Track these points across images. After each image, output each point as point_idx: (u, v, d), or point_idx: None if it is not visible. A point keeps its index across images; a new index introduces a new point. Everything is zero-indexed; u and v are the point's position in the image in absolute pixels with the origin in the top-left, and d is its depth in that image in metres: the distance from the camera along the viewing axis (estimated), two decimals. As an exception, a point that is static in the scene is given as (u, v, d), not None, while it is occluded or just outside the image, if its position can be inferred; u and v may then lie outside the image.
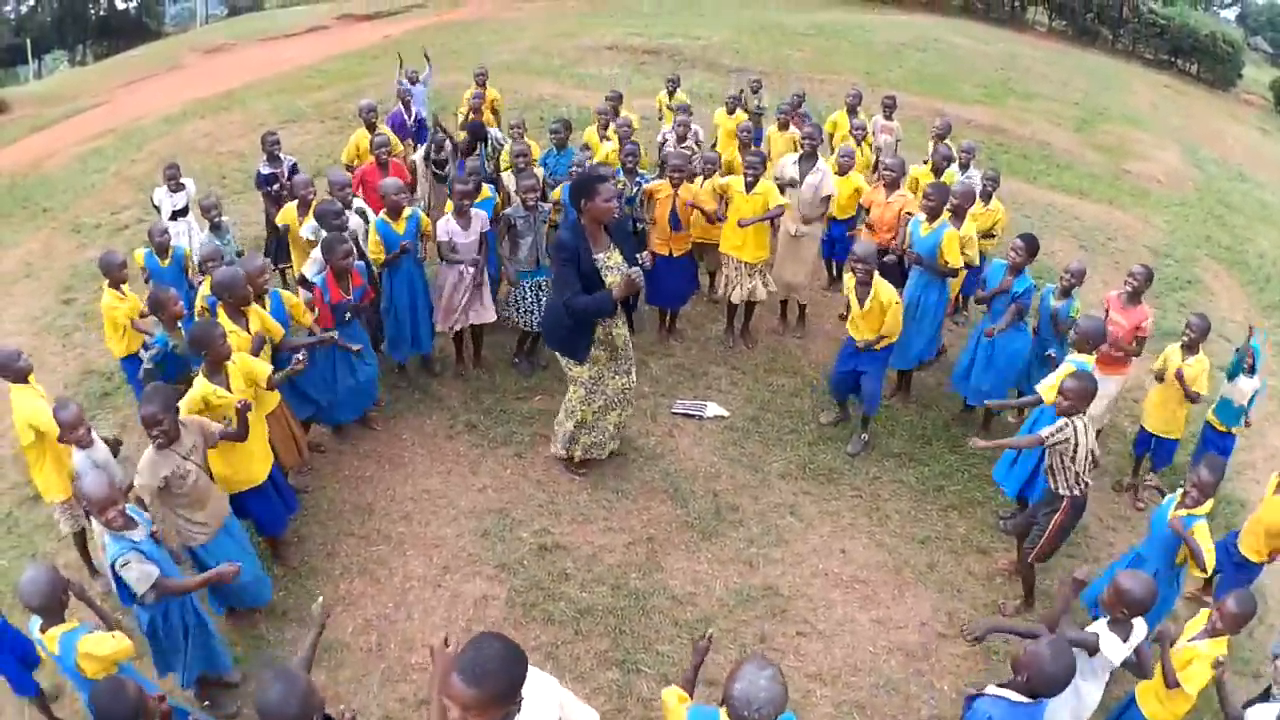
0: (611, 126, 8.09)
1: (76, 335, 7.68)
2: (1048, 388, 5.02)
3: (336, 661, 4.53)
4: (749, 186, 6.71)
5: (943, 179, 7.25)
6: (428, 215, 7.37)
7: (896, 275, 6.45)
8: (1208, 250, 11.04)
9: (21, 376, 4.61)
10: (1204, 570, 4.22)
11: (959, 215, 6.34)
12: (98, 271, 5.96)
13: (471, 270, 6.30)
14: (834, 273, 8.52)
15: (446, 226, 6.19)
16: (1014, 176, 11.80)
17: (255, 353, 4.95)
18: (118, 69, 22.21)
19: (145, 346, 5.57)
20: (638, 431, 6.25)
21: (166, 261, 6.34)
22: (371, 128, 7.87)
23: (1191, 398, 5.70)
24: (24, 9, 33.03)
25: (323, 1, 28.21)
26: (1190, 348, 5.69)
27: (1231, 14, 39.66)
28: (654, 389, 6.84)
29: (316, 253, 5.66)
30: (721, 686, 2.62)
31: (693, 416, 6.57)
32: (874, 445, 6.36)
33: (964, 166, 7.87)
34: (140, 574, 3.60)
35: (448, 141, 7.66)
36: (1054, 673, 3.00)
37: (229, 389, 4.49)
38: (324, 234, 5.74)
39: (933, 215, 6.30)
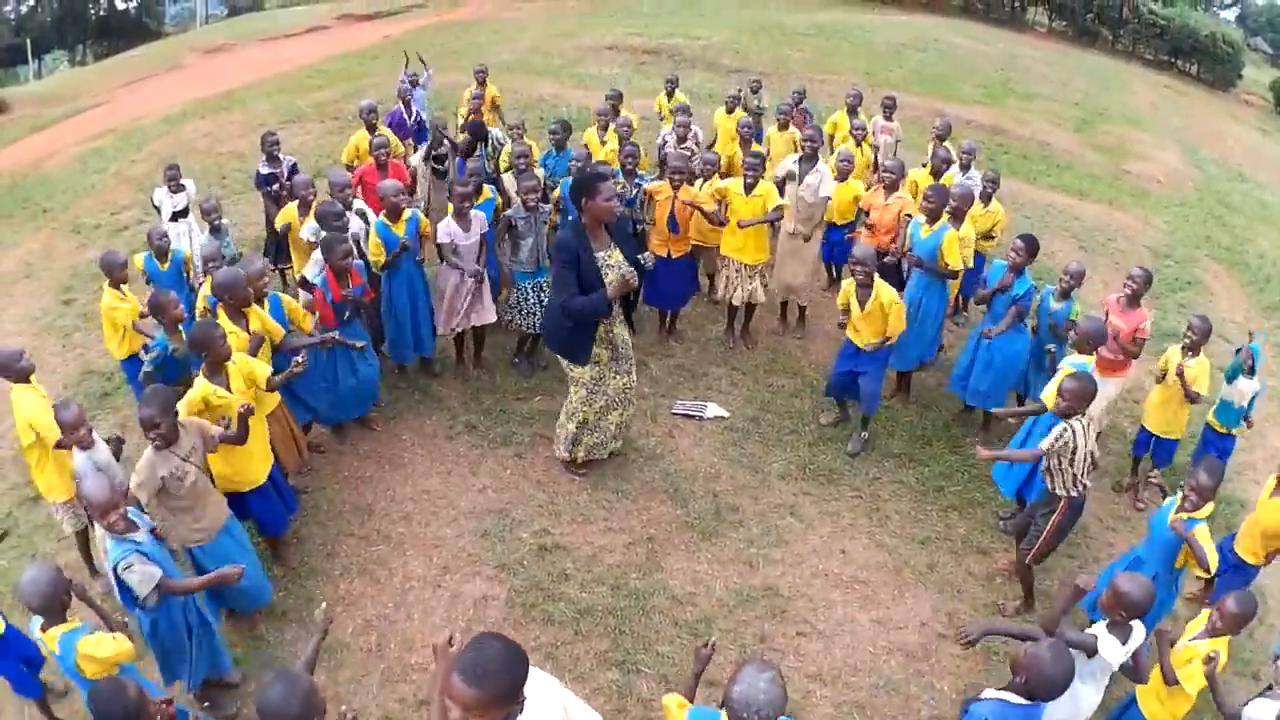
0: (611, 127, 8.08)
1: (76, 336, 7.68)
2: (1050, 395, 5.00)
3: (336, 662, 4.53)
4: (748, 188, 6.70)
5: (942, 181, 7.25)
6: (427, 215, 7.39)
7: (894, 277, 6.45)
8: (1208, 251, 11.04)
9: (23, 377, 4.61)
10: (1207, 571, 4.22)
11: (958, 217, 6.34)
12: (98, 272, 5.97)
13: (473, 275, 6.31)
14: (834, 275, 8.52)
15: (448, 229, 6.19)
16: (1014, 177, 11.81)
17: (254, 353, 4.95)
18: (118, 69, 22.21)
19: (146, 348, 5.58)
20: (638, 432, 6.25)
21: (166, 265, 6.34)
22: (372, 128, 7.87)
23: (1191, 398, 5.70)
24: (24, 9, 33.03)
25: (323, 1, 28.21)
26: (1192, 350, 5.69)
27: (1231, 15, 39.66)
28: (654, 390, 6.85)
29: (317, 254, 5.66)
30: (722, 688, 2.63)
31: (693, 417, 6.57)
32: (874, 446, 6.36)
33: (965, 168, 7.87)
34: (143, 576, 3.60)
35: (447, 140, 7.66)
36: (1053, 675, 3.01)
37: (229, 389, 4.50)
38: (324, 235, 5.74)
39: (933, 218, 6.31)
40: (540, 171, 7.05)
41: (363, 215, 6.40)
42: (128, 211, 10.18)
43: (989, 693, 3.19)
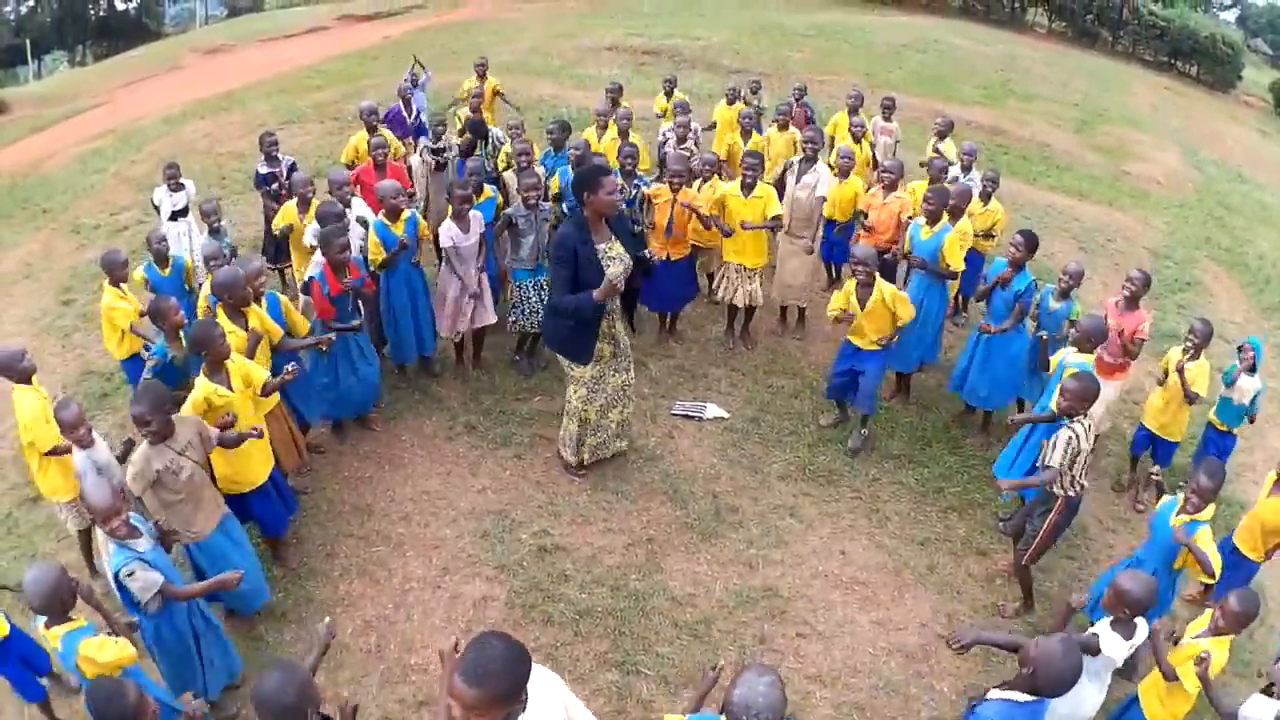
0: (612, 123, 8.11)
1: (76, 336, 7.68)
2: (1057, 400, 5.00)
3: (336, 663, 4.53)
4: (747, 188, 6.70)
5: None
6: (425, 215, 7.40)
7: (889, 278, 6.46)
8: (1207, 252, 11.04)
9: (25, 377, 4.61)
10: (1211, 576, 4.21)
11: (955, 215, 6.34)
12: (97, 272, 5.96)
13: (472, 295, 6.35)
14: (833, 275, 8.52)
15: (449, 232, 6.19)
16: (1014, 178, 11.81)
17: (252, 350, 4.95)
18: (117, 69, 22.21)
19: (146, 347, 5.57)
20: (637, 433, 6.25)
21: (167, 271, 6.32)
22: (372, 130, 7.87)
23: (1190, 398, 5.70)
24: (24, 9, 33.04)
25: (323, 2, 28.23)
26: (1193, 353, 5.69)
27: (1231, 16, 39.73)
28: (654, 390, 6.84)
29: (318, 255, 5.66)
30: (722, 691, 2.62)
31: (692, 418, 6.57)
32: (874, 447, 6.36)
33: (966, 169, 7.87)
34: (144, 583, 3.60)
35: (446, 133, 7.68)
36: (1063, 669, 2.96)
37: (229, 388, 4.50)
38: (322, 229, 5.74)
39: (933, 219, 6.31)
40: (541, 170, 7.05)
41: (363, 223, 6.38)
42: (127, 212, 10.18)
43: (994, 693, 3.18)
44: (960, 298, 7.95)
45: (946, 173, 7.52)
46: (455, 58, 15.37)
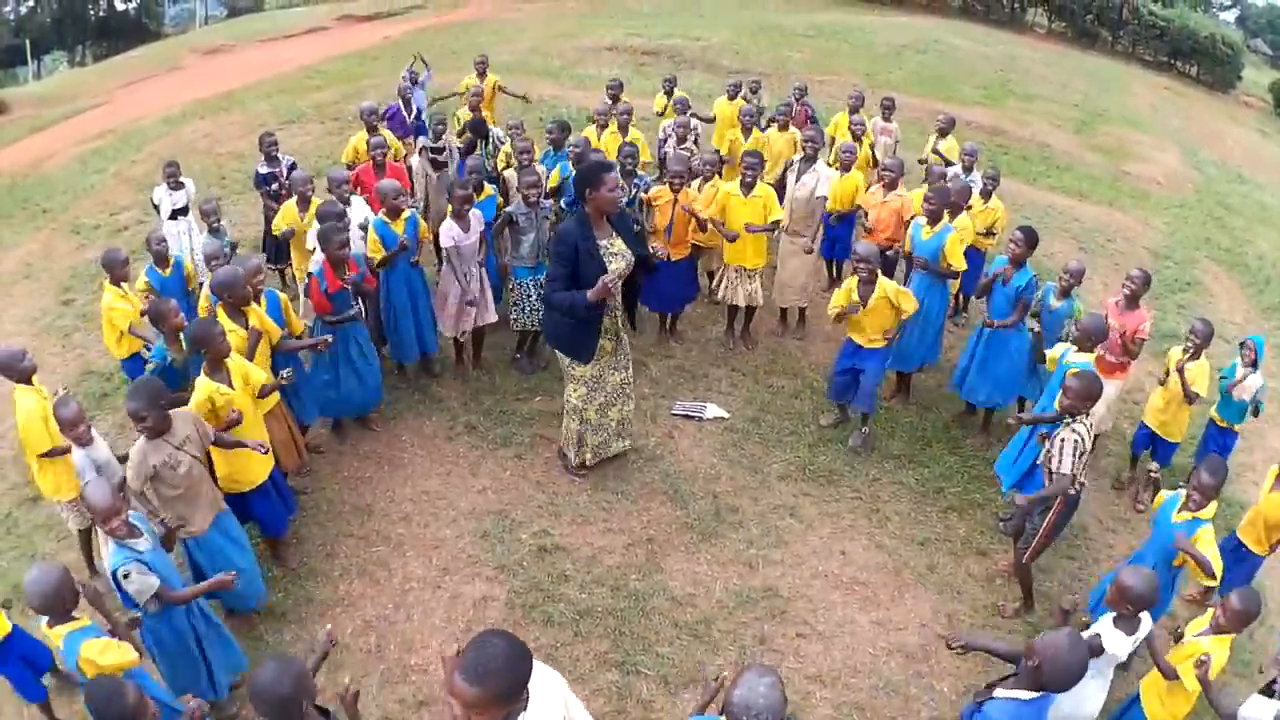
0: (612, 123, 8.12)
1: (76, 336, 7.68)
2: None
3: (336, 663, 4.52)
4: (747, 187, 6.70)
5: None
6: (425, 216, 7.40)
7: (889, 275, 6.47)
8: (1207, 252, 11.04)
9: (25, 377, 4.61)
10: (1212, 578, 4.21)
11: (955, 212, 6.36)
12: (97, 272, 5.96)
13: (469, 302, 6.37)
14: (834, 273, 8.52)
15: (450, 232, 6.19)
16: (1014, 178, 11.81)
17: (253, 348, 4.96)
18: (117, 70, 22.20)
19: (146, 346, 5.56)
20: (637, 433, 6.24)
21: (167, 270, 6.32)
22: (372, 130, 7.87)
23: (1189, 397, 5.70)
24: (24, 9, 33.03)
25: (323, 2, 28.23)
26: (1193, 355, 5.69)
27: (1231, 16, 39.73)
28: (654, 390, 6.84)
29: (318, 252, 5.67)
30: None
31: (692, 418, 6.57)
32: (874, 447, 6.36)
33: (967, 170, 7.87)
34: (141, 585, 3.60)
35: (446, 133, 7.68)
36: (1069, 663, 2.94)
37: (230, 386, 4.50)
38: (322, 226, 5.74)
39: (934, 219, 6.32)
40: (541, 168, 7.06)
41: (363, 227, 6.38)
42: (127, 212, 10.18)
43: (1000, 692, 3.17)
44: (961, 297, 7.96)
45: (945, 178, 7.52)
46: (455, 58, 15.35)
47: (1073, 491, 4.58)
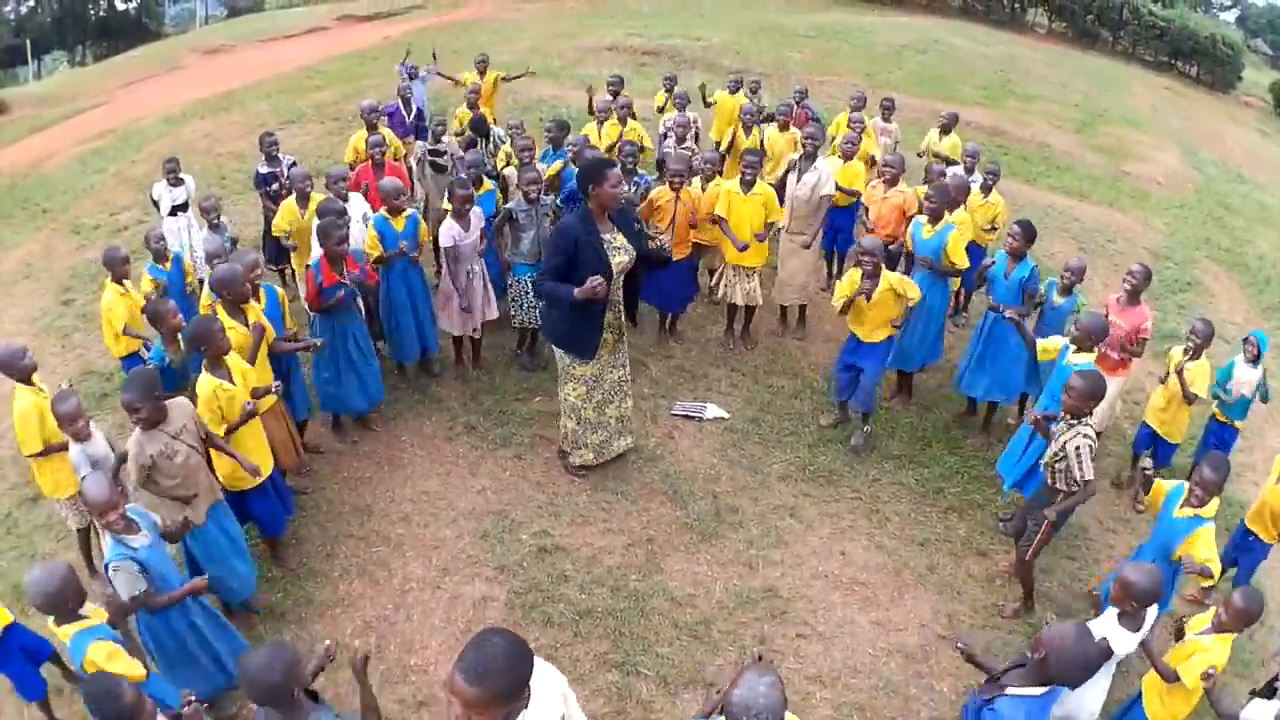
0: (613, 118, 8.16)
1: (76, 336, 7.68)
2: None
3: (336, 663, 4.50)
4: (747, 185, 6.70)
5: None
6: (425, 211, 7.40)
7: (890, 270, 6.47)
8: (1207, 252, 11.04)
9: (25, 375, 4.61)
10: (1210, 577, 4.20)
11: (952, 208, 6.38)
12: (97, 272, 5.97)
13: (464, 308, 6.39)
14: (834, 269, 8.53)
15: (450, 231, 6.19)
16: (1014, 178, 11.81)
17: (256, 345, 4.96)
18: (117, 70, 22.21)
19: (146, 346, 5.56)
20: (637, 433, 6.24)
21: (166, 266, 6.34)
22: (372, 128, 7.87)
23: (1189, 398, 5.71)
24: (24, 9, 33.06)
25: (323, 2, 28.24)
26: (1194, 354, 5.69)
27: (1231, 16, 39.76)
28: (654, 390, 6.84)
29: (317, 248, 5.67)
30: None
31: (692, 418, 6.57)
32: (874, 447, 6.35)
33: (969, 171, 7.87)
34: (128, 583, 3.60)
35: (446, 134, 7.69)
36: (1076, 655, 2.93)
37: (232, 382, 4.51)
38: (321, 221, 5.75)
39: (935, 218, 6.32)
40: (542, 166, 7.07)
41: (366, 218, 6.39)
42: (127, 212, 10.18)
43: (1011, 690, 3.16)
44: (962, 294, 7.96)
45: (944, 175, 7.53)
46: (455, 58, 15.34)
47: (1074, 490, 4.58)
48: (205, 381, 4.40)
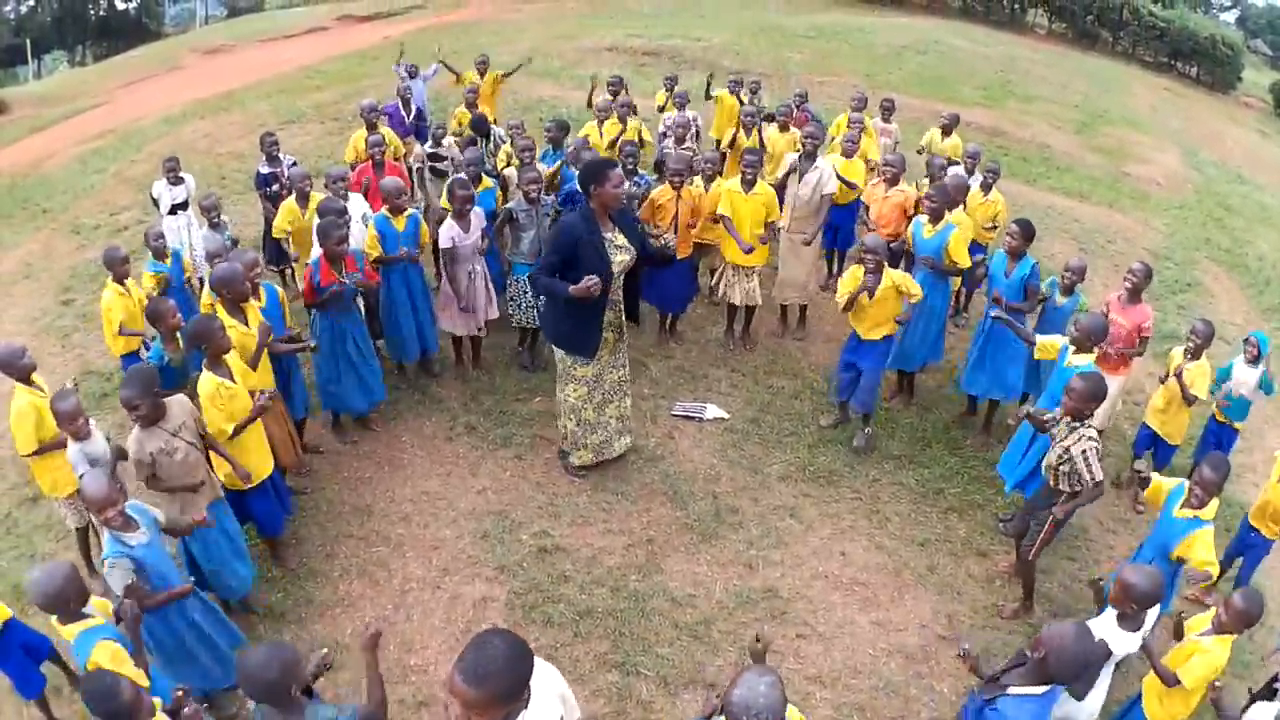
0: (613, 117, 8.17)
1: (76, 336, 7.67)
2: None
3: (336, 663, 4.49)
4: (748, 185, 6.70)
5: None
6: (426, 213, 7.40)
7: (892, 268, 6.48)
8: (1207, 253, 11.04)
9: (24, 375, 4.61)
10: (1208, 578, 4.20)
11: (951, 207, 6.39)
12: (97, 272, 5.97)
13: (462, 308, 6.39)
14: (834, 268, 8.53)
15: (450, 232, 6.18)
16: (1014, 179, 11.81)
17: (262, 343, 4.97)
18: (117, 69, 22.21)
19: (145, 345, 5.56)
20: (637, 434, 6.24)
21: (166, 262, 6.34)
22: (372, 127, 7.87)
23: (1188, 399, 5.72)
24: (24, 9, 33.06)
25: (323, 2, 28.24)
26: (1194, 354, 5.70)
27: (1231, 17, 39.79)
28: (654, 391, 6.84)
29: (317, 248, 5.67)
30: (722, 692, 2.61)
31: (692, 418, 6.57)
32: (874, 447, 6.35)
33: (970, 172, 7.87)
34: (120, 577, 3.60)
35: (446, 137, 7.69)
36: (1076, 653, 2.92)
37: (233, 380, 4.51)
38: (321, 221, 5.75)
39: (935, 217, 6.32)
40: (541, 167, 7.07)
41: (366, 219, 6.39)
42: (127, 212, 10.18)
43: (1013, 690, 3.16)
44: (963, 293, 7.97)
45: (945, 171, 7.54)
46: (455, 58, 15.23)
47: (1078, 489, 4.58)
48: (207, 379, 4.40)
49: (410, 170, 7.90)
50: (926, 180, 7.66)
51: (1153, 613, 3.74)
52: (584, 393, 5.48)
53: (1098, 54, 24.37)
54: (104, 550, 3.65)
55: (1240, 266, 10.81)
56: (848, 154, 7.57)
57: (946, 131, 8.85)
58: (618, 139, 7.86)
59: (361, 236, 6.16)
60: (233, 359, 4.57)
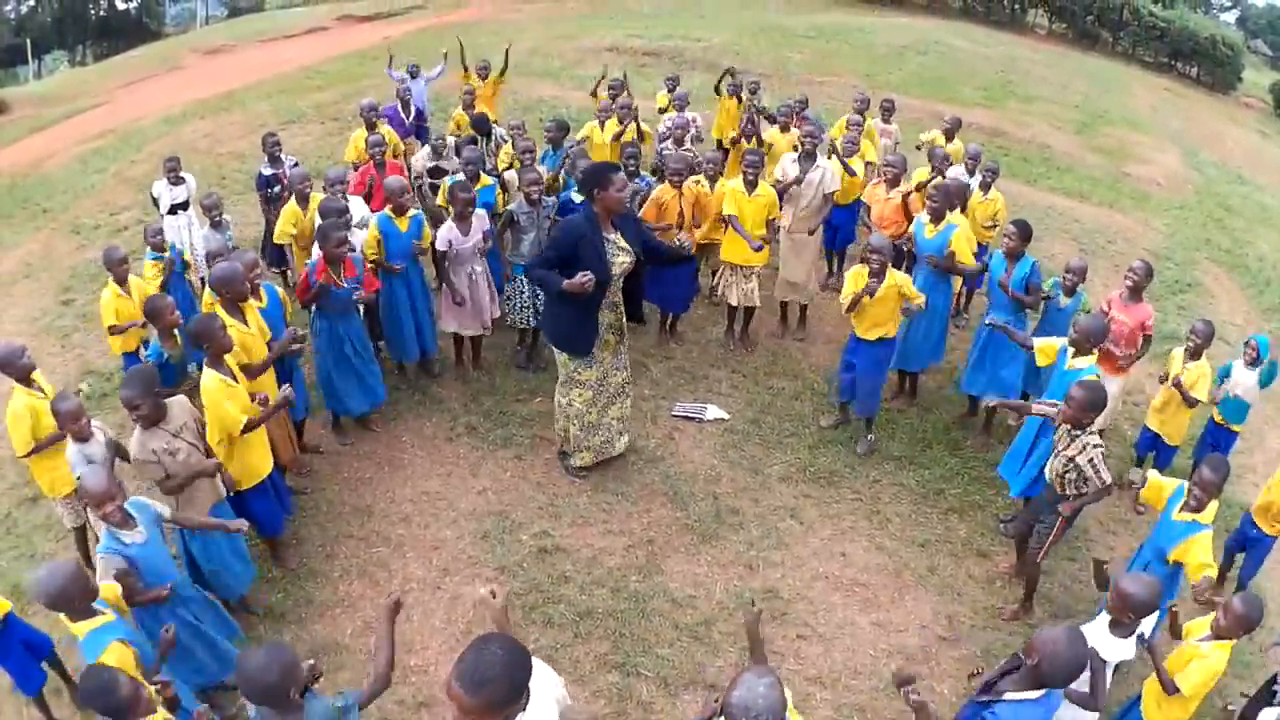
0: (614, 118, 8.17)
1: (76, 336, 7.67)
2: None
3: (336, 664, 4.52)
4: (750, 186, 6.70)
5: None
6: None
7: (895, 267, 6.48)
8: (1207, 253, 11.04)
9: (24, 375, 4.61)
10: (1210, 584, 4.19)
11: (952, 207, 6.39)
12: (97, 272, 5.97)
13: (459, 302, 6.39)
14: (833, 267, 8.52)
15: (448, 234, 6.18)
16: (1014, 179, 11.81)
17: (272, 358, 4.97)
18: (117, 69, 22.20)
19: (145, 344, 5.55)
20: (637, 434, 6.24)
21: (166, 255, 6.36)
22: (371, 127, 7.86)
23: (1189, 402, 5.72)
24: (24, 9, 33.05)
25: (323, 2, 28.24)
26: (1194, 354, 5.70)
27: (1231, 17, 39.79)
28: (654, 391, 6.84)
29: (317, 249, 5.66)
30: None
31: (693, 419, 6.57)
32: (875, 448, 6.35)
33: (970, 173, 7.86)
34: (109, 567, 3.61)
35: (445, 147, 7.68)
36: (1069, 658, 2.92)
37: (234, 379, 4.51)
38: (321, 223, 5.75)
39: (937, 217, 6.31)
40: (542, 168, 7.07)
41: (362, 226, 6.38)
42: (127, 212, 10.18)
43: (1009, 695, 3.16)
44: (965, 292, 7.97)
45: (948, 161, 7.53)
46: (455, 59, 15.35)
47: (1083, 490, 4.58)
48: (210, 376, 4.39)
49: (409, 173, 7.88)
50: (929, 169, 7.63)
51: (1149, 620, 3.73)
52: (589, 397, 5.48)
53: (1098, 54, 24.37)
54: (99, 548, 3.66)
55: (1240, 267, 10.81)
56: (847, 155, 7.58)
57: (949, 136, 8.82)
58: (619, 135, 7.88)
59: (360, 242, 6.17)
60: (231, 361, 4.57)
